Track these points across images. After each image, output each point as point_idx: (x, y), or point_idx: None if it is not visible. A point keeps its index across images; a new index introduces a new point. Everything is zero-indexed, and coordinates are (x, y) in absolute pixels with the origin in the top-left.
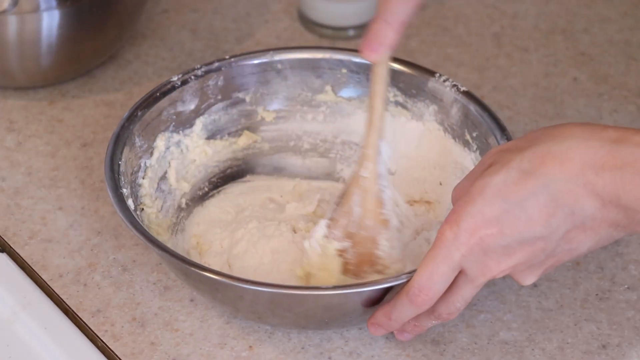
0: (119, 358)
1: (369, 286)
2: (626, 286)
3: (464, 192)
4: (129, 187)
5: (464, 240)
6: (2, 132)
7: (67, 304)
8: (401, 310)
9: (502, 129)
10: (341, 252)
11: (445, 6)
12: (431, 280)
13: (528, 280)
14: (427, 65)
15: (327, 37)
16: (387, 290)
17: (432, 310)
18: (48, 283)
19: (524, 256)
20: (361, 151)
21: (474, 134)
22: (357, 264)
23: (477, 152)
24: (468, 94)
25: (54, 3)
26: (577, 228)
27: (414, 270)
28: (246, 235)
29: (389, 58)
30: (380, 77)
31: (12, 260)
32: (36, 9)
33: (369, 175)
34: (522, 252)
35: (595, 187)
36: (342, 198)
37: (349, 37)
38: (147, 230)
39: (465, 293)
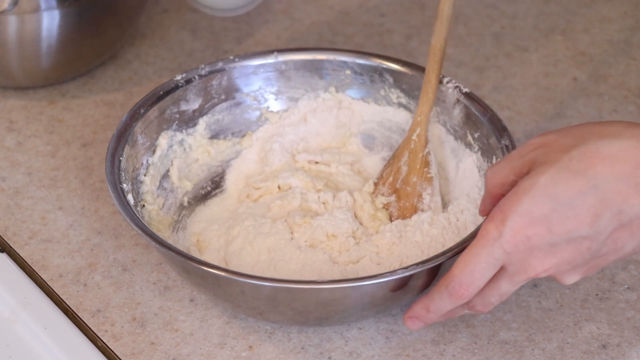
0: (119, 358)
1: (366, 280)
2: (626, 286)
3: (504, 182)
4: (129, 183)
5: (509, 238)
6: (2, 132)
7: (67, 304)
8: (440, 303)
9: (503, 130)
10: (386, 206)
11: None
12: (472, 276)
13: (571, 279)
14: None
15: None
16: (387, 284)
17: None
18: (48, 283)
19: (569, 255)
20: (414, 118)
21: (476, 135)
22: (399, 216)
23: (479, 152)
24: (470, 95)
25: (54, 3)
26: (624, 227)
27: (410, 266)
28: (242, 233)
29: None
30: (436, 57)
31: (12, 260)
32: (36, 9)
33: (418, 139)
34: (567, 251)
35: None
36: (393, 159)
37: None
38: (146, 226)
39: (502, 289)
